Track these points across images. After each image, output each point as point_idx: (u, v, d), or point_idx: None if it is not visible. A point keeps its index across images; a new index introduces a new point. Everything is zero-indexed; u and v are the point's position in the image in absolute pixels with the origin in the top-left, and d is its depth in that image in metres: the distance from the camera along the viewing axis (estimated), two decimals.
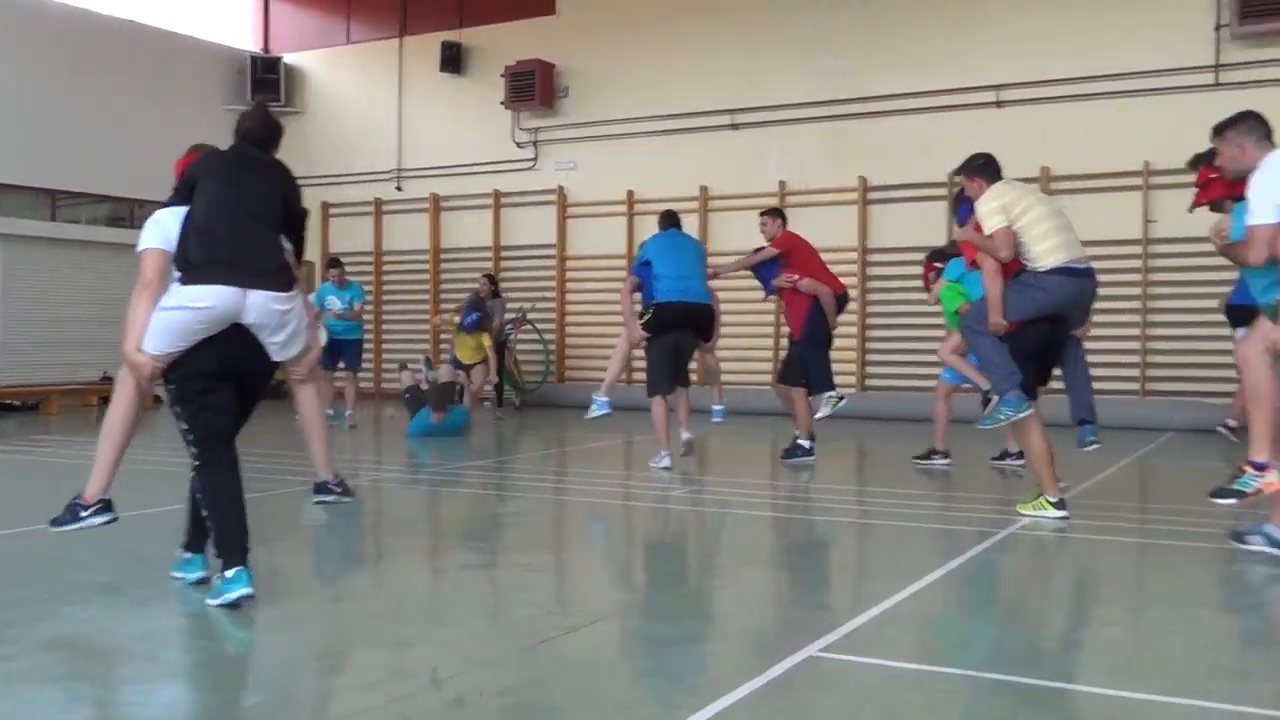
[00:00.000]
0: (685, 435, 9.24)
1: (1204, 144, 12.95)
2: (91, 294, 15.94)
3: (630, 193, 15.82)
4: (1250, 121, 5.26)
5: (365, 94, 18.17)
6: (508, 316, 14.85)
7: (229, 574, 4.39)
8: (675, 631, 4.30)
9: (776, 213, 9.61)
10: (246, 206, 4.69)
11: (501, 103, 16.44)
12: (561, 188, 16.42)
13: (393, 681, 3.61)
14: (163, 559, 5.60)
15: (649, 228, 15.60)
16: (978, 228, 6.44)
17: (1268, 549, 5.20)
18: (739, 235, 15.00)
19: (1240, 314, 8.19)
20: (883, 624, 4.29)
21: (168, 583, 5.06)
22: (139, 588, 5.01)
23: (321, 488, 6.05)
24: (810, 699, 3.46)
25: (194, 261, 4.45)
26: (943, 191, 13.92)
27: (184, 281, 4.42)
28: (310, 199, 18.23)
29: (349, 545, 6.46)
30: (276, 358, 4.71)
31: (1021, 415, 6.24)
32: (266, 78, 18.36)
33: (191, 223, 4.57)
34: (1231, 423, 10.49)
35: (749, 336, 14.84)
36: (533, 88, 16.12)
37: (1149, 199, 12.99)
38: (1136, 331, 13.05)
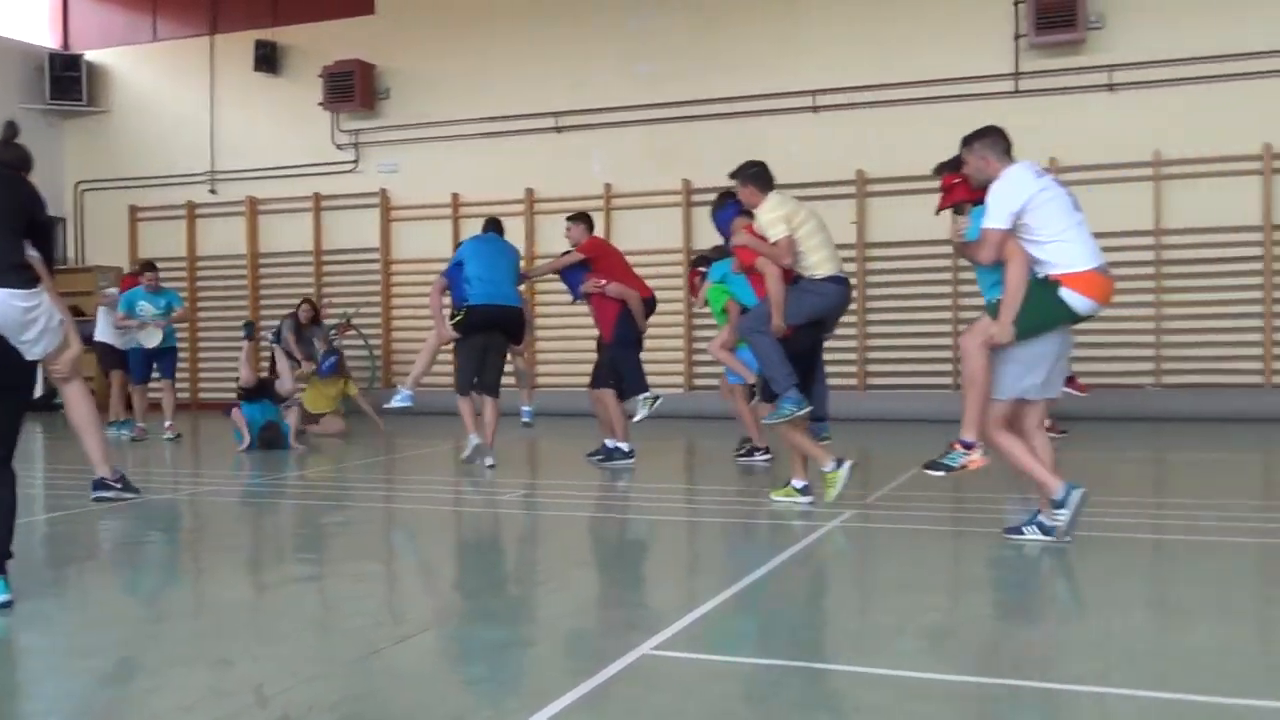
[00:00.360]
0: (475, 440, 9.23)
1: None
2: None
3: (455, 195, 15.67)
4: (994, 136, 5.83)
5: (175, 94, 17.49)
6: (329, 321, 14.41)
7: None
8: (507, 636, 4.28)
9: (582, 218, 9.67)
10: None
11: (320, 103, 16.07)
12: (384, 190, 16.15)
13: (214, 702, 3.49)
14: None
15: (474, 230, 15.54)
16: (747, 231, 6.91)
17: (1040, 538, 5.60)
18: (563, 237, 15.02)
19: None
20: (712, 620, 4.37)
21: None
22: None
23: (100, 484, 6.22)
24: (642, 697, 3.50)
25: None
26: None
27: None
28: (117, 202, 17.52)
29: (167, 562, 6.21)
30: (30, 356, 4.72)
31: (803, 411, 6.62)
32: (66, 76, 17.47)
33: None
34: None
35: (572, 339, 14.87)
36: (352, 88, 15.80)
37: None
38: (948, 327, 13.60)
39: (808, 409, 6.66)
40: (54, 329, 4.83)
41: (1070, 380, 10.18)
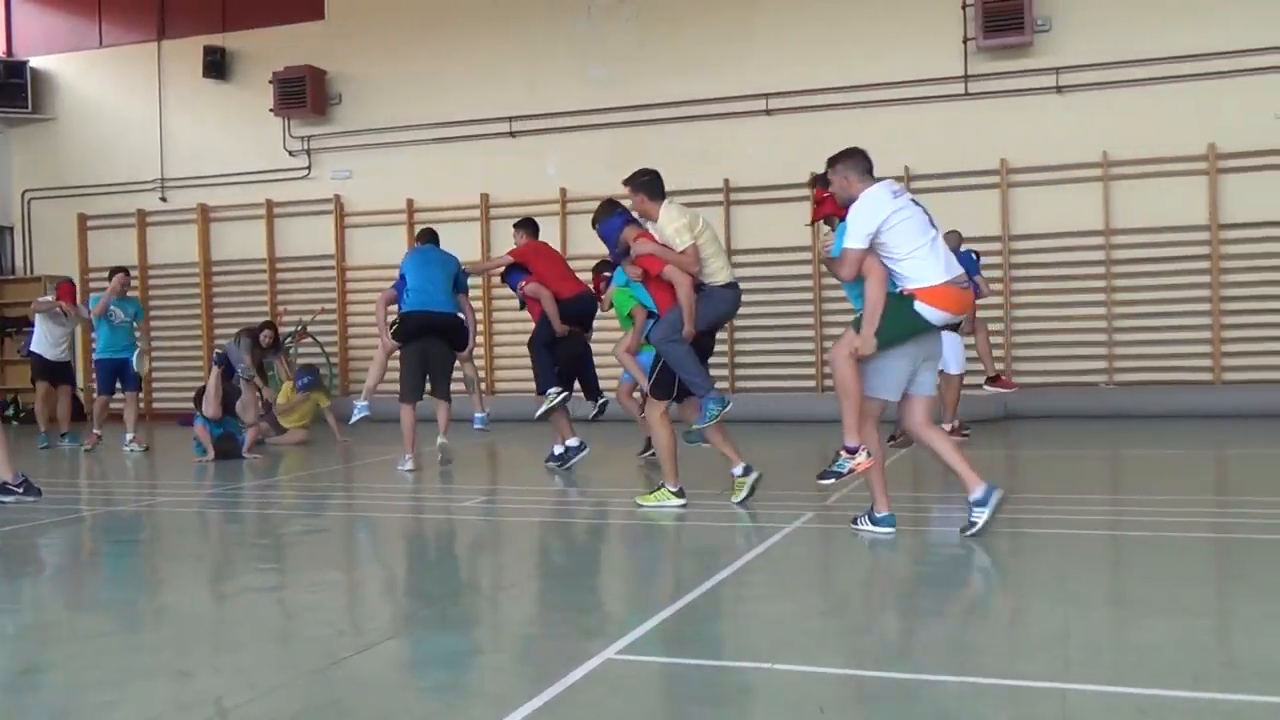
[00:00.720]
0: (440, 439, 9.46)
1: (957, 149, 13.80)
2: None
3: (410, 201, 15.61)
4: (855, 158, 6.14)
5: (122, 100, 17.29)
6: (285, 330, 14.26)
7: None
8: (469, 643, 4.27)
9: (525, 224, 9.74)
10: None
11: (271, 110, 15.95)
12: (338, 196, 16.05)
13: (175, 714, 3.46)
14: None
15: None
16: (647, 239, 7.05)
17: (874, 529, 6.05)
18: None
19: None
20: (675, 623, 4.38)
21: None
22: None
23: (2, 488, 6.56)
24: (604, 701, 3.50)
25: None
26: (719, 197, 14.30)
27: None
28: (66, 210, 17.30)
29: (126, 573, 6.14)
30: None
31: (726, 411, 6.88)
32: (11, 82, 17.26)
33: None
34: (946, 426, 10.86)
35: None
36: (303, 94, 15.70)
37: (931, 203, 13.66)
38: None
39: (730, 406, 6.91)
40: None
41: (995, 379, 10.46)
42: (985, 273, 13.49)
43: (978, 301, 10.49)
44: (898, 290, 5.80)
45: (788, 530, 6.27)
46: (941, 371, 10.13)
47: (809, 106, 14.06)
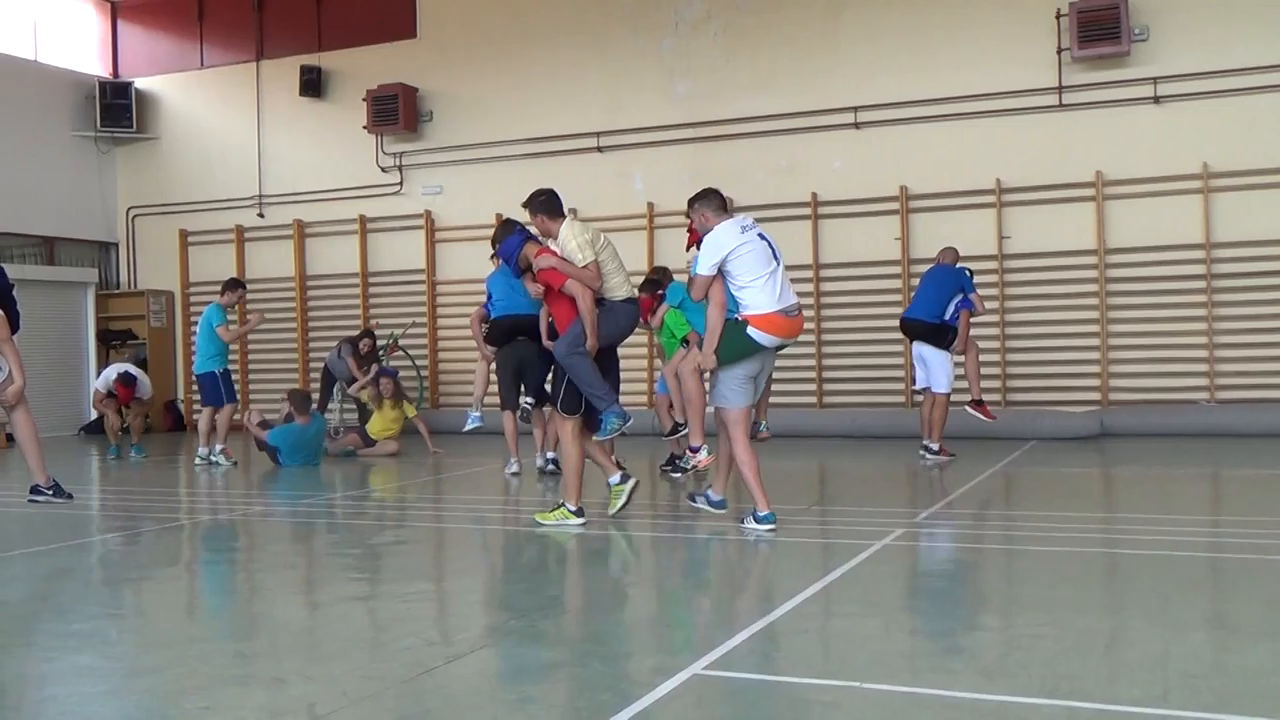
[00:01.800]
0: (549, 454, 9.72)
1: (1051, 161, 13.55)
2: None
3: (499, 215, 15.74)
4: (711, 197, 6.91)
5: (223, 119, 17.74)
6: (380, 342, 14.52)
7: None
8: (559, 655, 4.28)
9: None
10: None
11: (364, 127, 16.24)
12: (429, 212, 16.27)
13: None
14: (24, 606, 5.39)
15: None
16: (541, 254, 7.18)
17: (707, 507, 7.14)
18: None
19: (929, 330, 10.32)
20: (763, 639, 4.35)
21: (21, 629, 4.86)
22: (2, 635, 4.80)
23: (35, 490, 7.32)
24: (690, 717, 3.49)
25: None
26: (807, 211, 14.23)
27: None
28: (167, 226, 17.78)
29: (221, 582, 6.28)
30: None
31: (626, 425, 7.07)
32: (116, 104, 17.76)
33: None
34: (933, 445, 10.57)
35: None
36: (396, 111, 15.96)
37: (1002, 215, 13.48)
38: (997, 345, 13.49)
39: (631, 421, 7.10)
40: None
41: (979, 404, 10.60)
42: (1082, 287, 13.29)
43: (973, 320, 10.61)
44: (734, 316, 6.60)
45: (876, 547, 6.20)
46: (928, 390, 10.22)
47: (898, 120, 13.92)
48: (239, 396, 12.22)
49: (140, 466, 12.09)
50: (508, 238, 7.62)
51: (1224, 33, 12.74)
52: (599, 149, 15.26)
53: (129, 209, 18.24)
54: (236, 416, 12.22)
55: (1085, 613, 4.74)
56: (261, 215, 17.37)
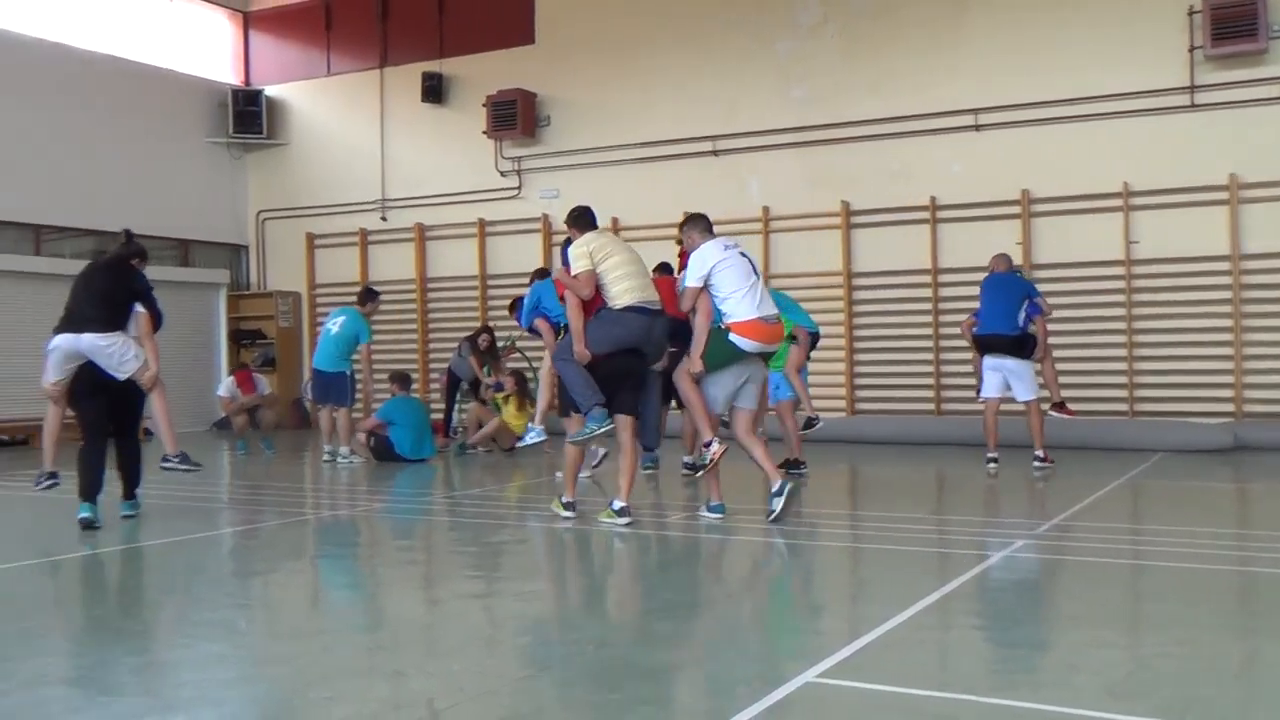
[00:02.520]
0: (685, 459, 9.74)
1: (1181, 163, 13.17)
2: None
3: (614, 219, 15.85)
4: (698, 221, 7.84)
5: (348, 125, 18.19)
6: (498, 344, 14.70)
7: (82, 507, 7.28)
8: (673, 658, 4.29)
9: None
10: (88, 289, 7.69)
11: (484, 132, 16.49)
12: (546, 215, 16.45)
13: (390, 713, 3.60)
14: (160, 594, 5.58)
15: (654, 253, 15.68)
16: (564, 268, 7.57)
17: (709, 515, 7.56)
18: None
19: (1011, 344, 10.22)
20: (879, 648, 4.29)
21: (156, 617, 5.05)
22: (134, 622, 4.99)
23: (165, 459, 8.07)
24: None
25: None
26: (925, 215, 14.02)
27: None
28: (295, 230, 18.30)
29: (344, 576, 6.44)
30: (119, 376, 7.45)
31: (604, 429, 7.27)
32: (248, 110, 18.35)
33: None
34: (1038, 453, 10.33)
35: None
36: (514, 117, 16.18)
37: (1130, 219, 13.09)
38: (1124, 352, 13.12)
39: (610, 426, 7.29)
40: (130, 360, 7.46)
41: (1060, 405, 10.58)
42: (1215, 294, 12.80)
43: (1048, 325, 10.59)
44: (719, 325, 7.25)
45: (997, 557, 6.08)
46: (1013, 399, 10.33)
47: (1021, 121, 13.61)
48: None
49: (269, 462, 12.45)
50: (566, 245, 7.96)
51: None
52: (714, 153, 15.25)
53: (259, 212, 18.83)
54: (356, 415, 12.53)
55: (1217, 633, 4.57)
56: (384, 219, 17.76)
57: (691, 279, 7.35)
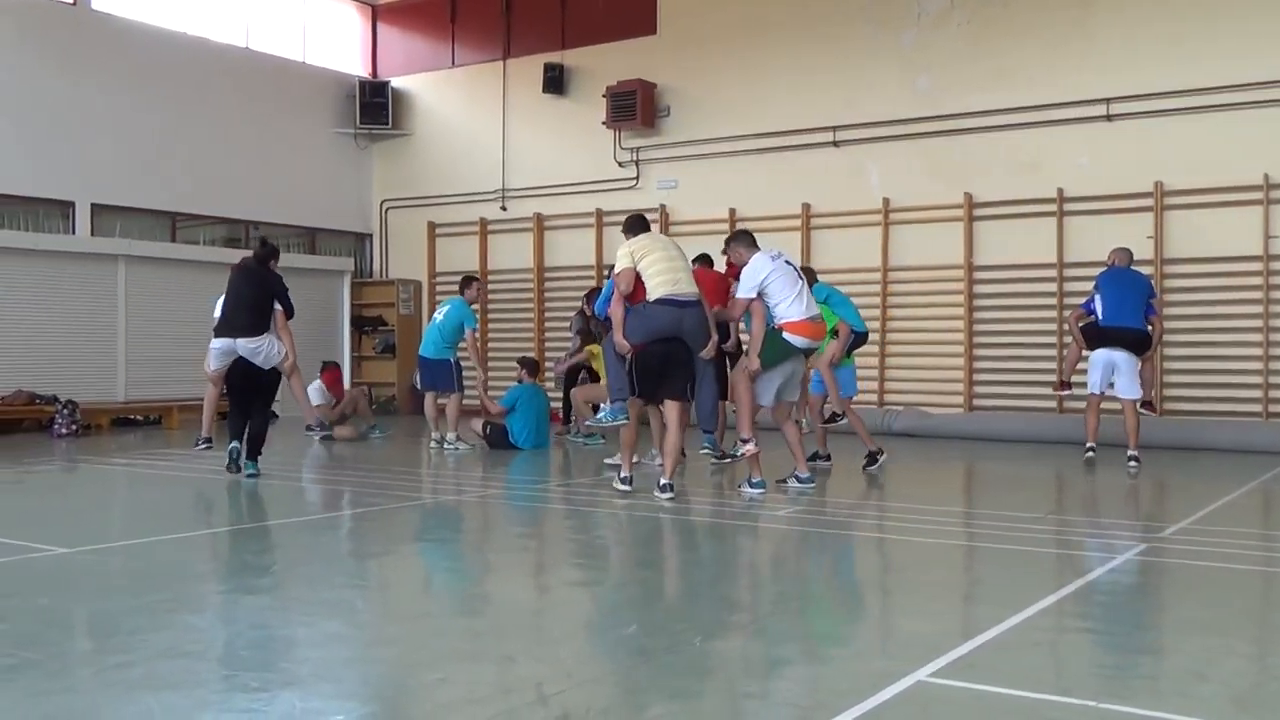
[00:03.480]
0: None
1: None
2: (210, 313, 16.31)
3: (732, 210, 15.80)
4: (742, 237, 8.71)
5: (470, 116, 18.45)
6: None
7: (233, 444, 9.22)
8: (781, 653, 4.26)
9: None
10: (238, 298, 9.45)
11: (603, 123, 16.56)
12: (664, 206, 16.47)
13: (499, 697, 3.65)
14: (271, 568, 5.74)
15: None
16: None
17: (797, 485, 8.44)
18: (841, 252, 14.91)
19: (1136, 339, 10.15)
20: (991, 650, 4.20)
21: (277, 595, 5.19)
22: (250, 598, 5.14)
23: (308, 427, 11.06)
24: None
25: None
26: (1052, 208, 13.65)
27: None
28: (417, 219, 18.66)
29: (454, 562, 6.54)
30: (265, 367, 9.27)
31: (619, 422, 8.25)
32: (374, 102, 18.74)
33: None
34: (1132, 452, 10.12)
35: None
36: (634, 107, 16.21)
37: (1270, 213, 12.56)
38: (1259, 351, 12.60)
39: (622, 421, 8.23)
40: (274, 354, 9.23)
41: (1147, 404, 10.63)
42: None
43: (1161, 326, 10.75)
44: (772, 326, 8.04)
45: (1118, 561, 5.90)
46: (1123, 399, 10.27)
47: (1155, 111, 13.15)
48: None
49: (382, 447, 12.71)
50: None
51: None
52: (834, 143, 15.07)
53: (382, 202, 19.23)
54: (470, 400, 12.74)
55: None
56: (504, 208, 17.98)
57: (745, 290, 8.09)
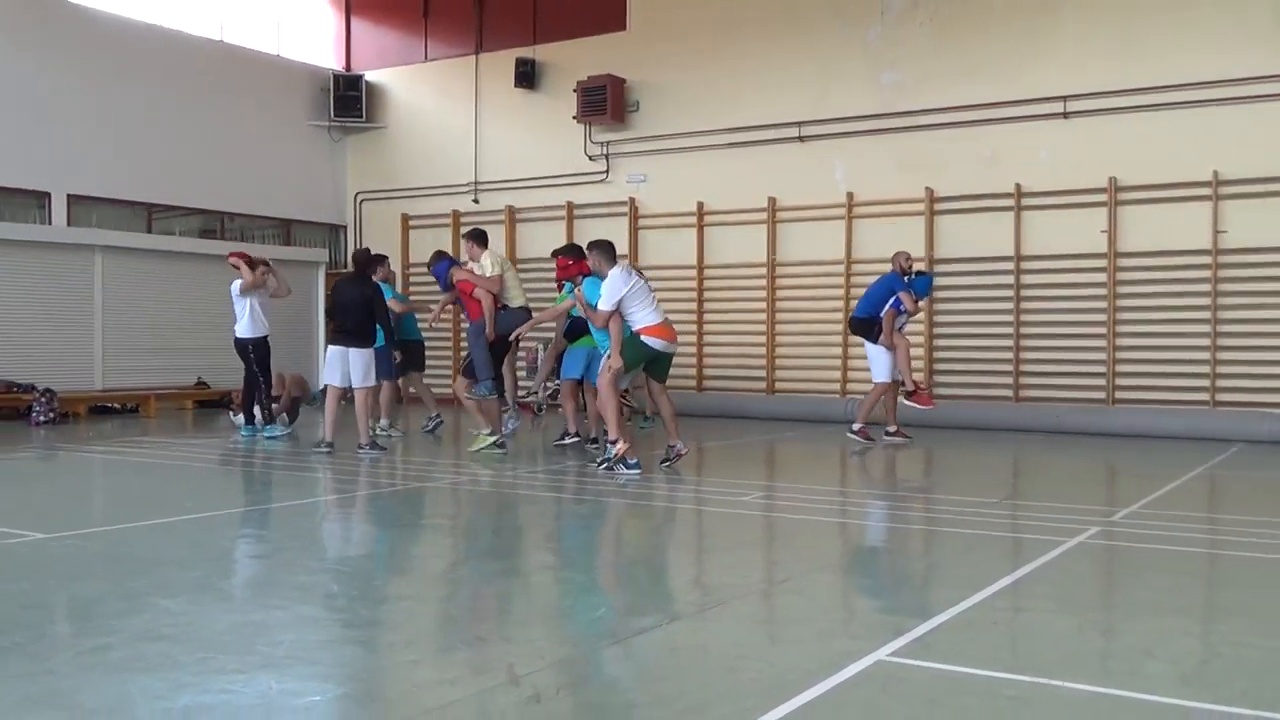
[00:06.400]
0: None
1: (1274, 152, 12.76)
2: (185, 302, 16.29)
3: (700, 204, 15.83)
4: (604, 248, 9.19)
5: (443, 109, 18.37)
6: None
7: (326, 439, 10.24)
8: (747, 634, 4.29)
9: (477, 235, 11.22)
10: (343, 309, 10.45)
11: (574, 117, 16.53)
12: (633, 200, 16.47)
13: (471, 678, 3.66)
14: (246, 557, 5.71)
15: (719, 238, 15.70)
16: (466, 271, 10.64)
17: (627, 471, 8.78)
18: (807, 245, 14.98)
19: (861, 326, 11.57)
20: (950, 629, 4.25)
21: (254, 579, 5.17)
22: (227, 582, 5.12)
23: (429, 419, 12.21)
24: (875, 701, 3.45)
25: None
26: (1010, 203, 13.76)
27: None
28: (390, 212, 18.59)
29: (428, 546, 6.53)
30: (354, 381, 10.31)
31: (491, 396, 10.26)
32: (348, 95, 18.62)
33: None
34: (891, 427, 11.58)
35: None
36: (604, 102, 16.19)
37: (1219, 209, 12.71)
38: (1208, 342, 12.76)
39: (494, 396, 10.33)
40: (370, 371, 10.33)
41: (913, 393, 11.39)
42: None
43: (910, 317, 11.69)
44: (631, 331, 8.85)
45: (1071, 544, 5.97)
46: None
47: (1110, 109, 13.28)
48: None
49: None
50: (438, 264, 11.04)
51: None
52: (800, 139, 15.12)
53: (357, 194, 19.12)
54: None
55: None
56: (476, 201, 17.93)
57: (606, 304, 8.79)
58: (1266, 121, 12.52)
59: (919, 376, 12.80)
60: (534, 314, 10.74)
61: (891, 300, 11.35)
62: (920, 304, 11.80)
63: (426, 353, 13.42)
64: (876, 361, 11.48)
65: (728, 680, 3.67)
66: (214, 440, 11.89)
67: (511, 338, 10.31)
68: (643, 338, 8.86)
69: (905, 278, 11.50)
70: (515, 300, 10.40)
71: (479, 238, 10.87)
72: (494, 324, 10.06)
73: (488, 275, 10.30)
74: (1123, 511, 7.12)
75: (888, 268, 12.00)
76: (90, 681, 3.60)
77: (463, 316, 12.05)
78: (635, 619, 4.50)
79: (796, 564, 5.90)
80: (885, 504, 7.88)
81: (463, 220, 17.98)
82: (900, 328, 11.49)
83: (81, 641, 4.14)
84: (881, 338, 11.35)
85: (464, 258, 11.09)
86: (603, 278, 8.98)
